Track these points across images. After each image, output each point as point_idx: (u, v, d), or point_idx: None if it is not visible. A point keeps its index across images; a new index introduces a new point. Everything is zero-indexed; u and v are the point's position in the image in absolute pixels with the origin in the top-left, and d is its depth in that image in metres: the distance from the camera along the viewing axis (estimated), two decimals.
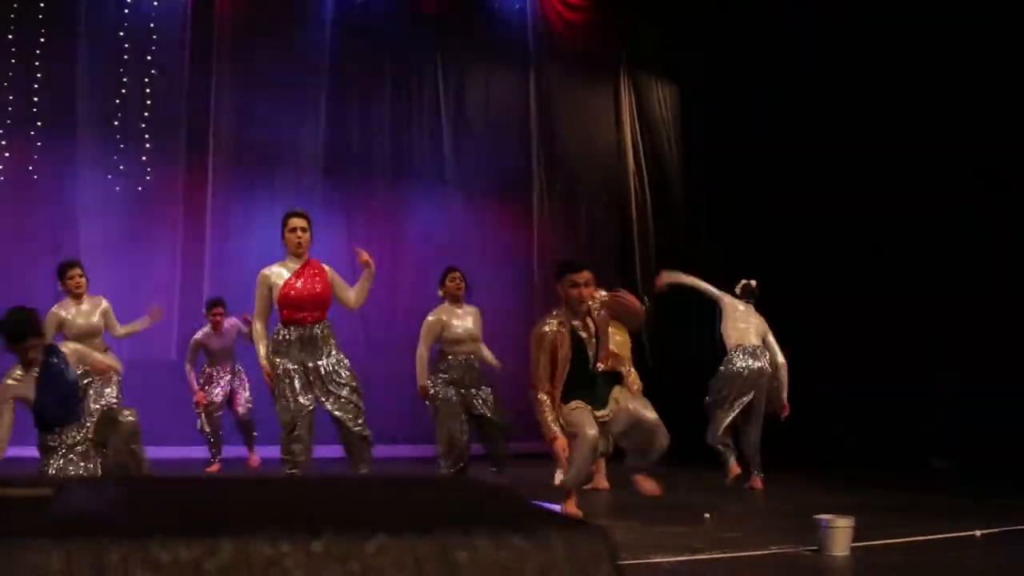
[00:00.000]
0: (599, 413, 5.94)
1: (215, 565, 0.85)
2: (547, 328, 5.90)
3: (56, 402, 5.85)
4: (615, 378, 6.13)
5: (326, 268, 6.55)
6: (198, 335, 9.06)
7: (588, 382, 5.97)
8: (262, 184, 10.81)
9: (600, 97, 12.62)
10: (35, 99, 10.10)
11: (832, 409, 10.07)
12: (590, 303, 5.93)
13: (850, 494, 7.44)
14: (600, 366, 5.99)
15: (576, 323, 5.94)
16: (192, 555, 0.85)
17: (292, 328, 6.35)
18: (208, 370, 9.09)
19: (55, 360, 5.89)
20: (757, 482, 7.84)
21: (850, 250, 10.71)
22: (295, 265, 6.41)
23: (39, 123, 10.11)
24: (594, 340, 5.98)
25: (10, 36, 9.97)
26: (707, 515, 6.18)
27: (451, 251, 10.21)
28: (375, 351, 10.13)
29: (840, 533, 4.77)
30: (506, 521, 0.90)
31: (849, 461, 9.86)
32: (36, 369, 5.83)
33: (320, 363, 6.34)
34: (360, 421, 6.38)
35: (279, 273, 6.40)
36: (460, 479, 5.86)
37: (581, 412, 5.87)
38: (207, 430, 8.99)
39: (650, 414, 6.00)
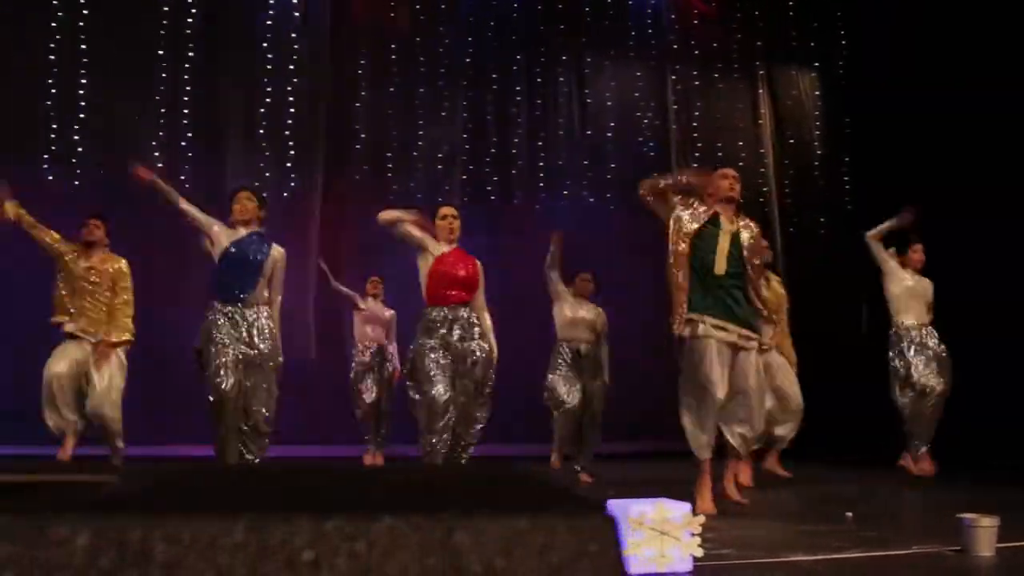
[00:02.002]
0: (728, 327, 5.79)
1: (231, 542, 0.85)
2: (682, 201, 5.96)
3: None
4: (746, 301, 5.91)
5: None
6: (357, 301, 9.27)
7: (716, 283, 5.84)
8: (400, 186, 10.99)
9: (737, 91, 12.40)
10: (185, 111, 10.53)
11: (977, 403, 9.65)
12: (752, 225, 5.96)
13: (996, 492, 7.12)
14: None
15: (721, 209, 5.90)
16: (209, 532, 0.86)
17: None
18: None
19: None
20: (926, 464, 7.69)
21: (1010, 246, 10.17)
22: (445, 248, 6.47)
23: (189, 134, 10.52)
24: (736, 237, 5.87)
25: (160, 51, 10.40)
26: (848, 514, 5.99)
27: (586, 250, 10.17)
28: (503, 348, 10.14)
29: (984, 533, 4.55)
30: (515, 504, 0.89)
31: (996, 457, 9.41)
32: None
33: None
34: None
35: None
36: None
37: (709, 346, 5.76)
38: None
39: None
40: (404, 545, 0.84)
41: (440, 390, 6.09)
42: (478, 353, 6.31)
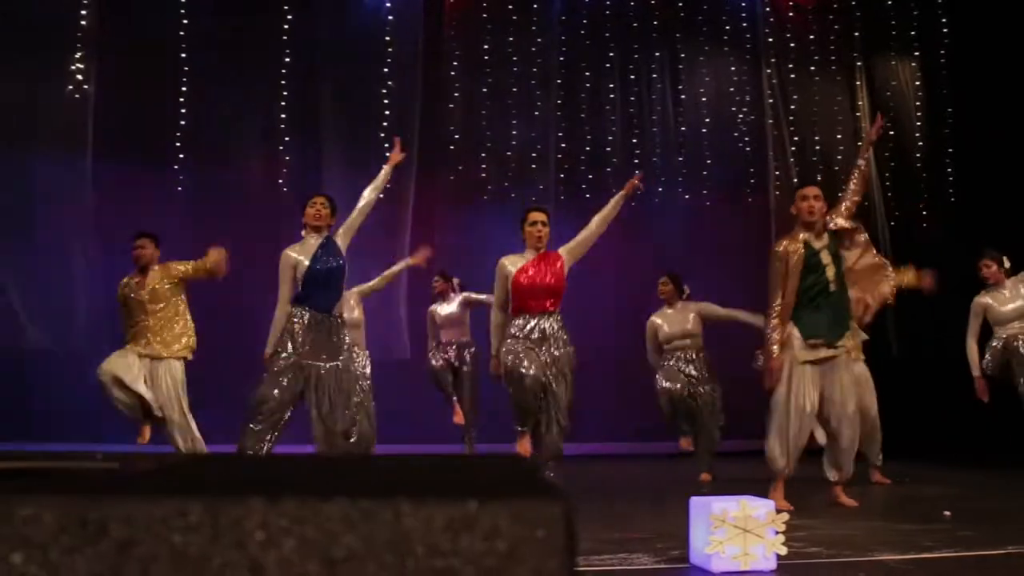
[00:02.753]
0: (823, 351, 5.93)
1: (183, 523, 0.87)
2: (779, 245, 6.07)
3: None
4: (845, 315, 6.05)
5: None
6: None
7: (817, 299, 5.97)
8: (494, 185, 11.05)
9: (834, 83, 12.14)
10: (282, 116, 10.76)
11: None
12: (828, 222, 6.06)
13: None
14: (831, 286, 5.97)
15: (807, 235, 6.02)
16: (163, 513, 0.87)
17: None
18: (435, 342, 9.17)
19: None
20: None
21: None
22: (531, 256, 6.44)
23: (287, 138, 10.75)
24: (831, 257, 6.01)
25: (255, 57, 10.65)
26: (946, 513, 5.82)
27: (685, 250, 10.14)
28: (600, 351, 10.13)
29: None
30: (467, 489, 0.88)
31: None
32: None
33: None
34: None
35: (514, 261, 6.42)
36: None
37: (800, 374, 5.90)
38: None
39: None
40: (352, 529, 0.84)
41: (531, 373, 6.16)
42: (563, 362, 6.31)
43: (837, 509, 6.27)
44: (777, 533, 4.05)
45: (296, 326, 6.18)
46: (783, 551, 4.06)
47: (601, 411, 10.12)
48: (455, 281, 9.07)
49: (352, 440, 6.40)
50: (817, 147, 11.87)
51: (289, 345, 6.14)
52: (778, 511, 4.14)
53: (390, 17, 10.96)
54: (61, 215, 10.03)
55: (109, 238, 9.64)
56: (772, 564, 4.03)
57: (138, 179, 10.44)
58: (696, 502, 4.14)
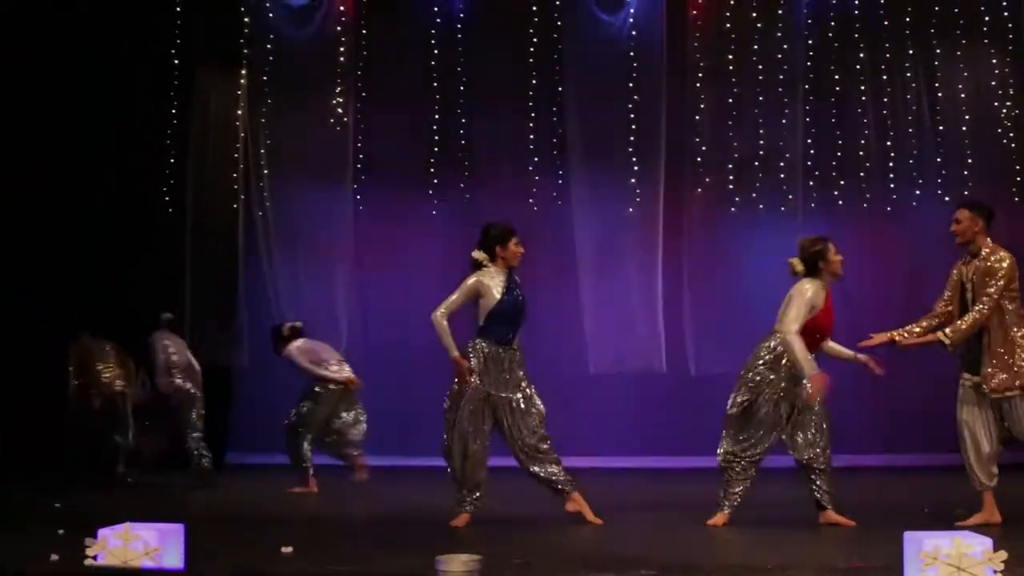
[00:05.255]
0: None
1: None
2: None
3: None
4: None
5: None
6: None
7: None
8: (742, 197, 10.90)
9: None
10: (530, 136, 11.04)
11: None
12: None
13: None
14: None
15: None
16: None
17: None
18: None
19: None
20: None
21: None
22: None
23: (535, 158, 11.05)
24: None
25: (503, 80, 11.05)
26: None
27: (945, 253, 9.61)
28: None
29: None
30: None
31: None
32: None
33: None
34: None
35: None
36: None
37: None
38: None
39: None
40: None
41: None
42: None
43: None
44: (996, 573, 3.81)
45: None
46: None
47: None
48: None
49: None
50: None
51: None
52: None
53: (633, 32, 11.00)
54: (330, 240, 10.73)
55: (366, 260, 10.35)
56: None
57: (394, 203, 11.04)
58: (909, 536, 3.96)
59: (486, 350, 6.41)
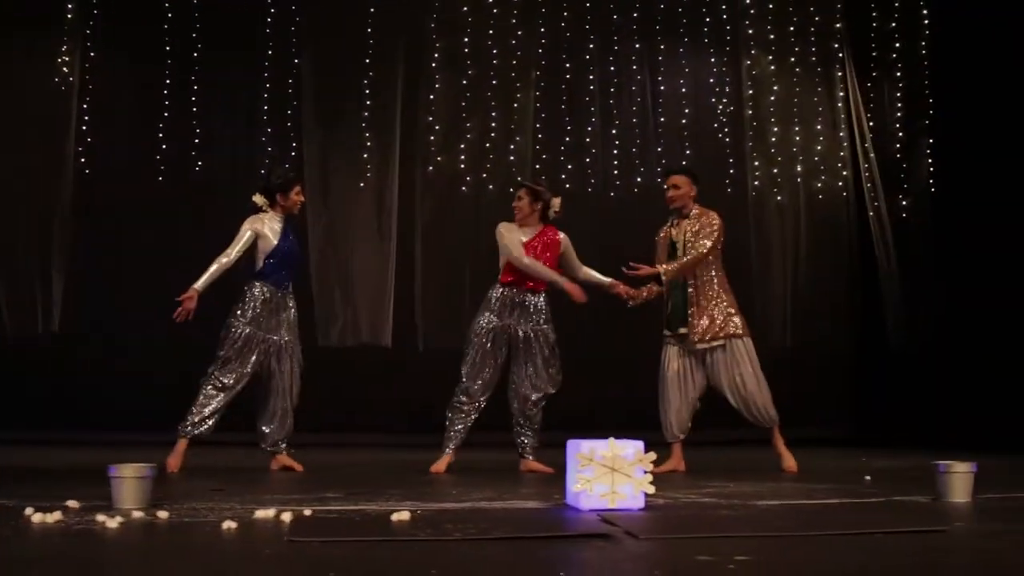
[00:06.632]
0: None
1: None
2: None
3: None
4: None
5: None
6: None
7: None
8: (474, 176, 11.25)
9: (814, 76, 12.10)
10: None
11: None
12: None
13: None
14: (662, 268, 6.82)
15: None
16: None
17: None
18: None
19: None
20: None
21: None
22: None
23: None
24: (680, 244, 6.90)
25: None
26: (867, 477, 5.99)
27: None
28: None
29: (959, 479, 4.48)
30: None
31: None
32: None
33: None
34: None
35: None
36: None
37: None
38: None
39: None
40: None
41: None
42: None
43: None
44: (645, 472, 4.17)
45: None
46: (651, 490, 4.18)
47: None
48: None
49: None
50: (797, 138, 11.92)
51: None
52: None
53: (372, 9, 11.16)
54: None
55: None
56: (640, 503, 4.16)
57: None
58: (571, 443, 4.27)
59: (266, 293, 6.65)
